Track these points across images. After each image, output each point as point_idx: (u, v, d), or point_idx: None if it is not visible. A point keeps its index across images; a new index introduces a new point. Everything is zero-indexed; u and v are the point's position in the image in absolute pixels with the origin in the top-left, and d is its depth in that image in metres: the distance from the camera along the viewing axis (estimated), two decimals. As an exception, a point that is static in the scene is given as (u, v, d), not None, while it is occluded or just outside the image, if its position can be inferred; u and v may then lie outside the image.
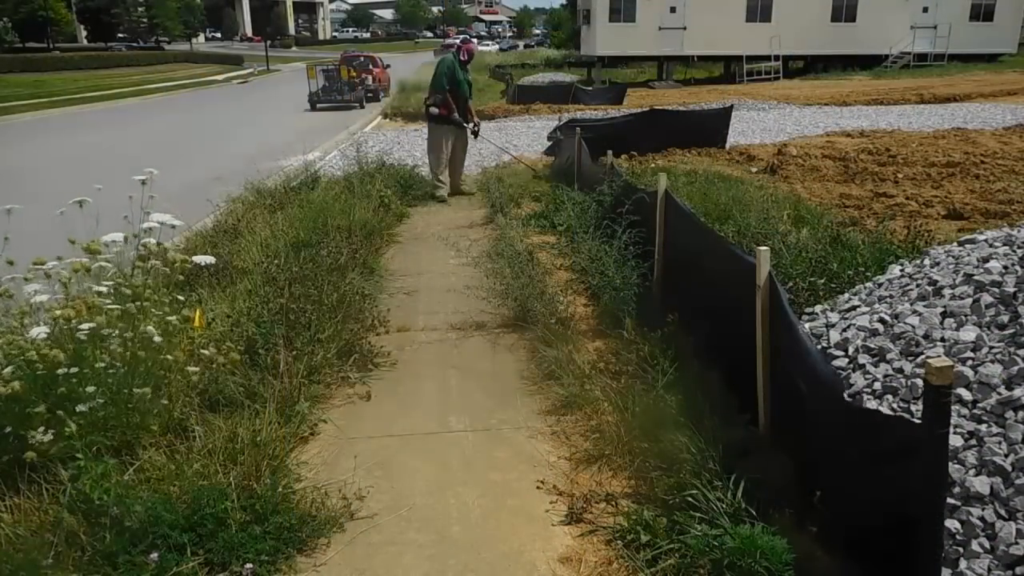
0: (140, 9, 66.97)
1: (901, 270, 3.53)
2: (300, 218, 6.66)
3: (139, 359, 3.05)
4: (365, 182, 8.46)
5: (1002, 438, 2.20)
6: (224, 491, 2.59)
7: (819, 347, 3.04)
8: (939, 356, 2.55)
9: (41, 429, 2.59)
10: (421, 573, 2.45)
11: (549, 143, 12.25)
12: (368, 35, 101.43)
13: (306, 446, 3.24)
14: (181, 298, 3.58)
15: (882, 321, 2.94)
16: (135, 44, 65.16)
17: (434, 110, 8.95)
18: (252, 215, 7.05)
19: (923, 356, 2.61)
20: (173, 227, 3.54)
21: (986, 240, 3.35)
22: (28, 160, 13.76)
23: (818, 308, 3.60)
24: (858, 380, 2.69)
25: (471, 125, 9.31)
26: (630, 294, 4.39)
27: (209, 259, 3.75)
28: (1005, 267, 2.90)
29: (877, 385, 2.62)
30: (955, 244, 3.55)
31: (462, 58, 8.94)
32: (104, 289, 3.16)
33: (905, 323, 2.82)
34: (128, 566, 2.29)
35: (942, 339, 2.66)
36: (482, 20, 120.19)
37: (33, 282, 3.05)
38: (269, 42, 56.94)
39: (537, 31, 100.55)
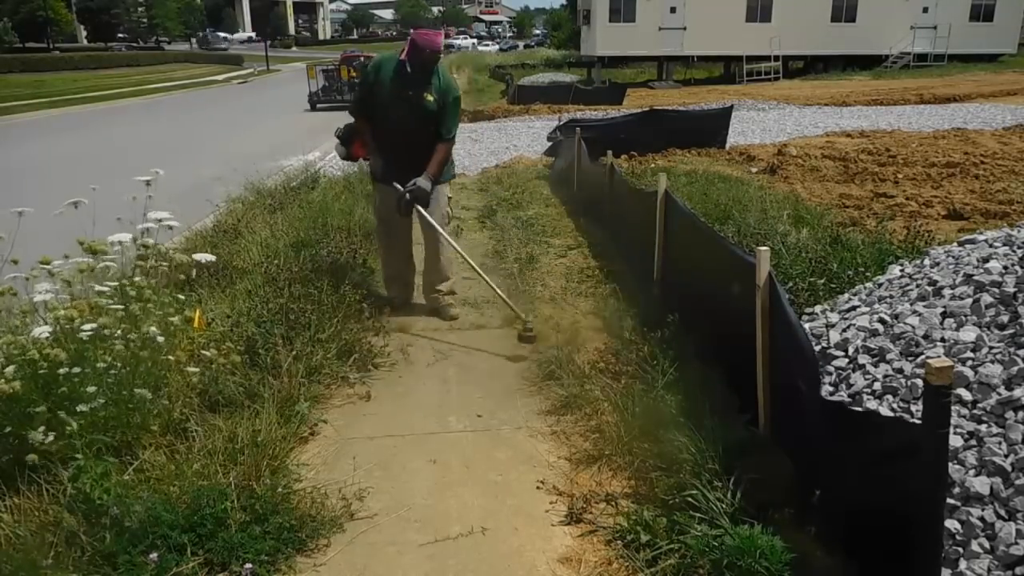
0: (140, 9, 67.01)
1: (901, 270, 3.53)
2: (300, 218, 6.67)
3: (140, 359, 3.05)
4: (365, 182, 8.46)
5: (1002, 438, 2.20)
6: (224, 491, 2.59)
7: (819, 347, 3.04)
8: (939, 356, 2.55)
9: (41, 429, 2.59)
10: (421, 573, 2.45)
11: (549, 143, 12.26)
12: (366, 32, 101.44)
13: (306, 446, 3.24)
14: (181, 297, 3.58)
15: (882, 321, 2.94)
16: (135, 44, 65.19)
17: (340, 150, 4.92)
18: (252, 215, 7.06)
19: (923, 356, 2.61)
20: (171, 228, 3.55)
21: (986, 240, 3.35)
22: (28, 161, 13.76)
23: (818, 308, 3.60)
24: (858, 380, 2.69)
25: (409, 186, 4.49)
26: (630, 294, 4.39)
27: (210, 257, 3.76)
28: (1005, 267, 2.90)
29: (877, 385, 2.62)
30: (955, 244, 3.55)
31: (401, 56, 4.43)
32: (107, 289, 3.17)
33: (905, 323, 2.82)
34: (128, 566, 2.28)
35: (942, 339, 2.65)
36: (482, 20, 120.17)
37: (37, 282, 3.05)
38: (269, 42, 56.92)
39: (537, 31, 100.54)
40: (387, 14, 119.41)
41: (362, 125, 4.59)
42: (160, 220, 3.45)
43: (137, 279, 3.31)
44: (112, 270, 3.28)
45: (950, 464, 2.15)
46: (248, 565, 2.34)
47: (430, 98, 4.41)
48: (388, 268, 5.01)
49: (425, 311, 4.91)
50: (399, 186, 4.47)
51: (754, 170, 9.94)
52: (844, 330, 3.06)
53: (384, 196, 4.67)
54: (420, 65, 4.35)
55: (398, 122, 4.45)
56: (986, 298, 2.72)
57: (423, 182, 4.45)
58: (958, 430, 2.28)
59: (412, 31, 4.43)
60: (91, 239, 3.21)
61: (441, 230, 4.65)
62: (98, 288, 3.16)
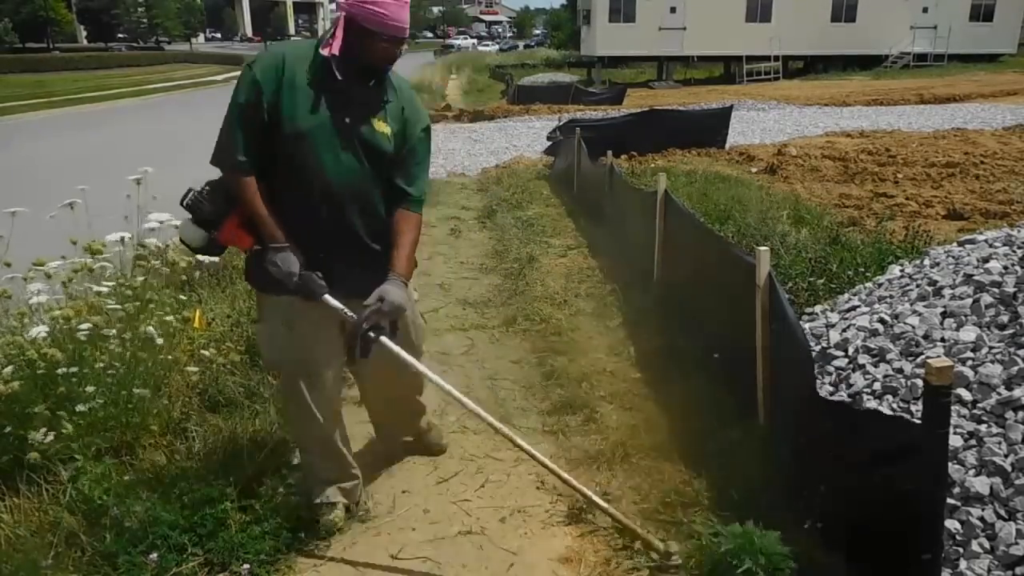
0: (140, 9, 67.06)
1: (901, 270, 3.53)
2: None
3: (139, 359, 3.05)
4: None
5: (1002, 438, 2.20)
6: (224, 491, 2.59)
7: (819, 347, 3.05)
8: (939, 356, 2.55)
9: (42, 430, 2.59)
10: (421, 573, 2.45)
11: (549, 143, 12.27)
12: None
13: (306, 446, 3.23)
14: (183, 297, 3.58)
15: (882, 321, 2.94)
16: (135, 44, 65.23)
17: (191, 233, 2.43)
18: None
19: (923, 356, 2.61)
20: (176, 227, 3.54)
21: (986, 240, 3.36)
22: (28, 161, 13.76)
23: (818, 308, 3.60)
24: (858, 380, 2.69)
25: (371, 303, 2.27)
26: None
27: (213, 258, 3.75)
28: (1005, 267, 2.90)
29: (877, 385, 2.62)
30: (955, 244, 3.55)
31: (325, 50, 2.25)
32: (105, 289, 3.17)
33: (905, 323, 2.82)
34: (128, 566, 2.28)
35: (942, 339, 2.66)
36: (482, 20, 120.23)
37: (33, 282, 3.06)
38: (269, 42, 56.94)
39: (537, 31, 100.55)
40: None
41: (247, 186, 2.29)
42: (163, 221, 3.44)
43: (134, 279, 3.31)
44: (109, 270, 3.28)
45: (950, 464, 2.15)
46: (247, 565, 2.34)
47: (384, 128, 2.36)
48: (313, 442, 2.60)
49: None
50: (339, 306, 2.32)
51: (754, 170, 9.94)
52: (844, 330, 3.06)
53: (301, 322, 2.39)
54: (365, 68, 2.30)
55: (327, 178, 2.31)
56: (986, 298, 2.72)
57: (395, 291, 2.31)
58: (958, 430, 2.28)
59: (347, 2, 2.24)
60: (87, 239, 3.21)
61: (422, 367, 2.50)
62: (96, 288, 3.16)
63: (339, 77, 2.27)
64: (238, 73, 2.33)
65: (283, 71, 2.26)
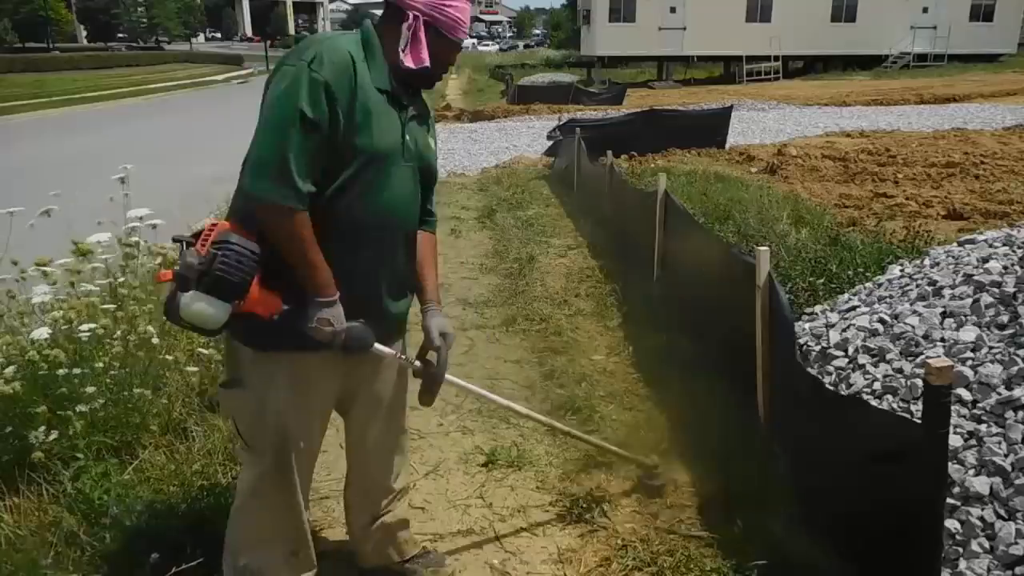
0: (140, 9, 67.14)
1: (901, 270, 3.53)
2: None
3: (138, 359, 3.06)
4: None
5: (1002, 438, 2.20)
6: (224, 491, 2.59)
7: (819, 347, 3.05)
8: (939, 356, 2.55)
9: (42, 429, 2.60)
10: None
11: (549, 143, 12.28)
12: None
13: (306, 446, 3.23)
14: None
15: (882, 321, 2.94)
16: (135, 44, 65.31)
17: (211, 313, 1.74)
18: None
19: (923, 356, 2.61)
20: (154, 227, 3.53)
21: (986, 240, 3.36)
22: (28, 161, 13.75)
23: (818, 308, 3.60)
24: (858, 380, 2.69)
25: (441, 356, 2.06)
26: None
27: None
28: (1005, 267, 2.90)
29: (877, 385, 2.62)
30: (955, 244, 3.55)
31: (409, 58, 1.90)
32: (96, 289, 3.18)
33: (905, 323, 2.82)
34: (128, 566, 2.28)
35: (942, 339, 2.66)
36: (482, 20, 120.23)
37: (32, 282, 3.06)
38: (269, 42, 56.90)
39: (537, 31, 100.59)
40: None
41: (305, 226, 1.80)
42: (142, 218, 3.43)
43: (123, 278, 3.31)
44: (102, 270, 3.28)
45: (950, 464, 2.15)
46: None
47: (434, 146, 2.14)
48: (286, 540, 2.10)
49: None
50: (391, 351, 2.03)
51: (754, 170, 9.94)
52: (844, 330, 3.06)
53: (316, 384, 1.99)
54: (429, 77, 1.98)
55: (389, 209, 1.95)
56: (986, 298, 2.72)
57: (447, 322, 2.15)
58: (958, 430, 2.28)
59: (426, 4, 1.90)
60: (82, 240, 3.21)
61: (476, 388, 2.52)
62: (89, 288, 3.16)
63: (394, 88, 1.91)
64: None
65: (355, 77, 1.82)
